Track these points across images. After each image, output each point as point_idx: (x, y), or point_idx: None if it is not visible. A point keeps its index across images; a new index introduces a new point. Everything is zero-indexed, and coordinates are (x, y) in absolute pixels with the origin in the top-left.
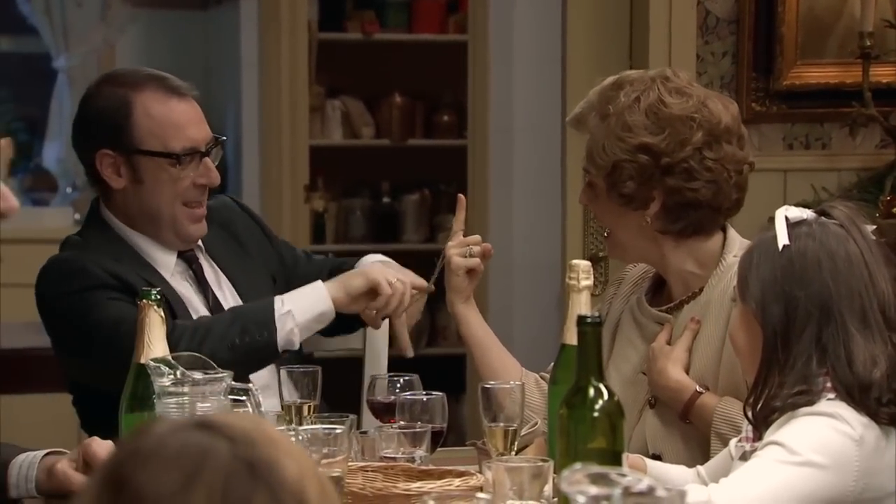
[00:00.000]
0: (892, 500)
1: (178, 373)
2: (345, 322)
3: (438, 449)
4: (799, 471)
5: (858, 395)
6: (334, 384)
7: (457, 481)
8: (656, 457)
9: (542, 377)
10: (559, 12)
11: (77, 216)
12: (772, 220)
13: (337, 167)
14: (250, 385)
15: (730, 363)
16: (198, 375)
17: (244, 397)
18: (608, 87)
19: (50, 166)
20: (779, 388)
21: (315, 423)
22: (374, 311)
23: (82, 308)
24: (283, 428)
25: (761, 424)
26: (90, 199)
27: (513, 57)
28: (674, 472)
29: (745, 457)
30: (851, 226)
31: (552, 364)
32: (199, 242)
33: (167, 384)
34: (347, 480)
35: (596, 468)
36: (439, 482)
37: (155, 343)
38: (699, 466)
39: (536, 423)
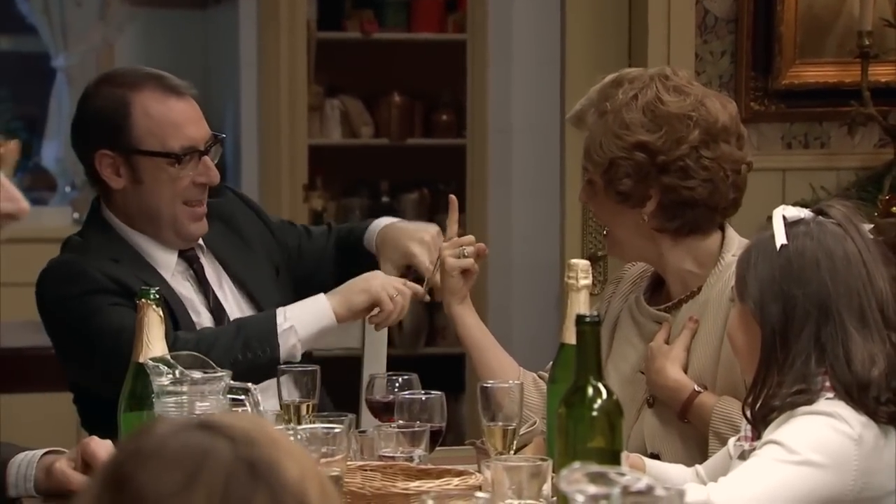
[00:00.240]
0: (890, 498)
1: (176, 372)
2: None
3: (437, 448)
4: (798, 470)
5: (857, 394)
6: (333, 383)
7: (455, 480)
8: (654, 456)
9: (540, 376)
10: (558, 12)
11: (76, 215)
12: (770, 219)
13: (336, 166)
14: (249, 384)
15: (728, 362)
16: (196, 375)
17: (243, 397)
18: (608, 85)
19: (49, 165)
20: (777, 388)
21: (314, 423)
22: (375, 323)
23: (83, 313)
24: (282, 427)
25: (760, 424)
26: (89, 198)
27: (512, 56)
28: (672, 472)
29: (743, 456)
30: (849, 225)
31: (551, 363)
32: (201, 241)
33: (166, 383)
34: (346, 479)
35: (595, 467)
36: (438, 481)
37: (154, 342)
38: (698, 466)
39: (535, 423)
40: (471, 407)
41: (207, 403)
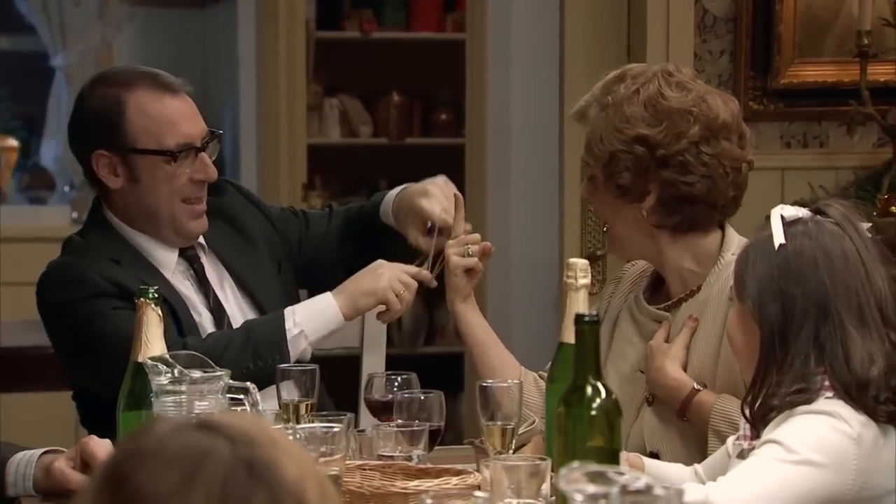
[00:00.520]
0: (890, 498)
1: (175, 371)
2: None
3: (436, 447)
4: (797, 469)
5: (856, 394)
6: (332, 383)
7: (454, 480)
8: (654, 454)
9: (540, 376)
10: (557, 11)
11: (74, 215)
12: (768, 219)
13: (335, 166)
14: (248, 384)
15: (728, 361)
16: (196, 374)
17: (242, 396)
18: (611, 80)
19: (47, 165)
20: (777, 387)
21: (313, 422)
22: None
23: (84, 318)
24: (280, 427)
25: (759, 423)
26: (88, 197)
27: (511, 56)
28: (671, 471)
29: (742, 455)
30: (847, 224)
31: (550, 363)
32: (202, 240)
33: (165, 383)
34: (345, 479)
35: (594, 466)
36: (437, 481)
37: (153, 341)
38: (696, 465)
39: (534, 422)
40: (470, 406)
41: (206, 403)
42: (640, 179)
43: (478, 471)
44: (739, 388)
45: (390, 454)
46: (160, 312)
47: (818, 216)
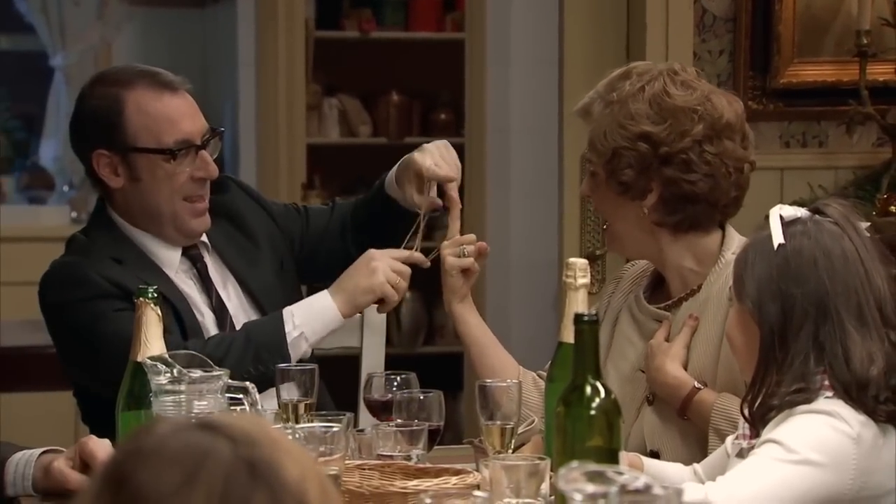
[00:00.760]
0: (889, 497)
1: (174, 371)
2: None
3: (435, 447)
4: (796, 469)
5: (856, 393)
6: (331, 382)
7: (454, 479)
8: (654, 453)
9: (539, 375)
10: (556, 11)
11: (74, 214)
12: (767, 219)
13: (334, 165)
14: (248, 384)
15: (728, 360)
16: (195, 374)
17: (241, 396)
18: (616, 77)
19: (47, 164)
20: (776, 387)
21: (312, 422)
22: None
23: (86, 319)
24: (280, 426)
25: (759, 423)
26: (87, 197)
27: (510, 55)
28: (671, 470)
29: (741, 454)
30: (846, 223)
31: (549, 362)
32: (206, 239)
33: (164, 382)
34: (344, 478)
35: (593, 466)
36: (436, 480)
37: (152, 341)
38: (696, 464)
39: (534, 421)
40: (469, 406)
41: (205, 402)
42: (642, 177)
43: (477, 470)
44: (740, 387)
45: (389, 454)
46: (159, 312)
47: (817, 216)
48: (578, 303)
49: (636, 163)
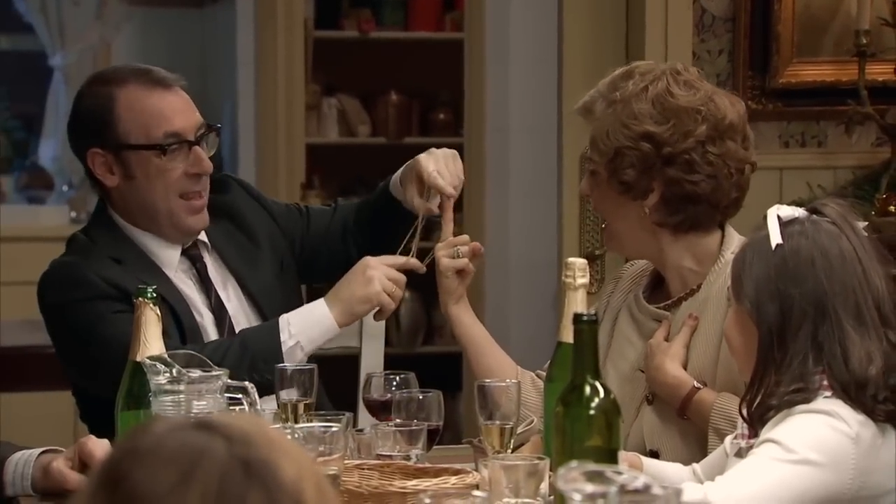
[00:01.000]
0: (888, 497)
1: (173, 371)
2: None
3: (434, 447)
4: (795, 469)
5: (855, 393)
6: (330, 382)
7: (453, 479)
8: (654, 453)
9: (538, 375)
10: (555, 11)
11: (73, 214)
12: (764, 219)
13: (333, 165)
14: (247, 384)
15: (727, 360)
16: (194, 374)
17: (240, 396)
18: (618, 77)
19: (46, 164)
20: (775, 387)
21: (311, 422)
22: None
23: (86, 321)
24: (279, 426)
25: (757, 423)
26: (86, 197)
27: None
28: (670, 470)
29: (740, 454)
30: (844, 223)
31: (548, 362)
32: (206, 239)
33: (163, 382)
34: (344, 478)
35: (592, 466)
36: (435, 480)
37: (151, 341)
38: (695, 464)
39: (533, 421)
40: (468, 405)
41: (205, 402)
42: (644, 176)
43: (476, 470)
44: (739, 387)
45: (389, 453)
46: (158, 312)
47: (814, 216)
48: (577, 302)
49: (638, 162)
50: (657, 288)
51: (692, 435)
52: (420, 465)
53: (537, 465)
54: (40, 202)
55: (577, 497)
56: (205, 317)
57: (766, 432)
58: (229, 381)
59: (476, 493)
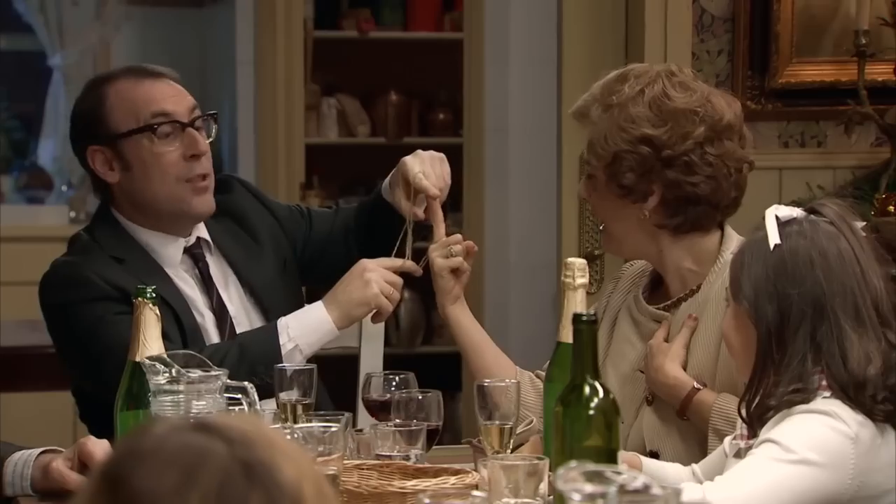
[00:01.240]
0: (887, 497)
1: (173, 371)
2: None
3: (434, 447)
4: (794, 469)
5: (854, 393)
6: (330, 382)
7: (452, 479)
8: (654, 454)
9: (537, 375)
10: (555, 11)
11: (72, 214)
12: (763, 219)
13: (333, 165)
14: (246, 384)
15: (727, 360)
16: (193, 374)
17: (240, 396)
18: (613, 80)
19: (45, 164)
20: (774, 387)
21: (311, 422)
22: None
23: (85, 321)
24: (278, 426)
25: (756, 423)
26: (85, 196)
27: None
28: (669, 470)
29: (739, 455)
30: (842, 223)
31: (548, 362)
32: (209, 238)
33: (162, 382)
34: (343, 478)
35: (591, 466)
36: (435, 480)
37: (150, 341)
38: (694, 465)
39: (532, 421)
40: (468, 406)
41: (204, 402)
42: (643, 180)
43: (476, 470)
44: (739, 388)
45: (388, 454)
46: (158, 312)
47: (813, 216)
48: (577, 303)
49: (638, 166)
50: (657, 288)
51: (692, 436)
52: (419, 466)
53: (537, 465)
54: (40, 202)
55: (576, 497)
56: (206, 317)
57: (766, 432)
58: (228, 381)
59: (475, 493)
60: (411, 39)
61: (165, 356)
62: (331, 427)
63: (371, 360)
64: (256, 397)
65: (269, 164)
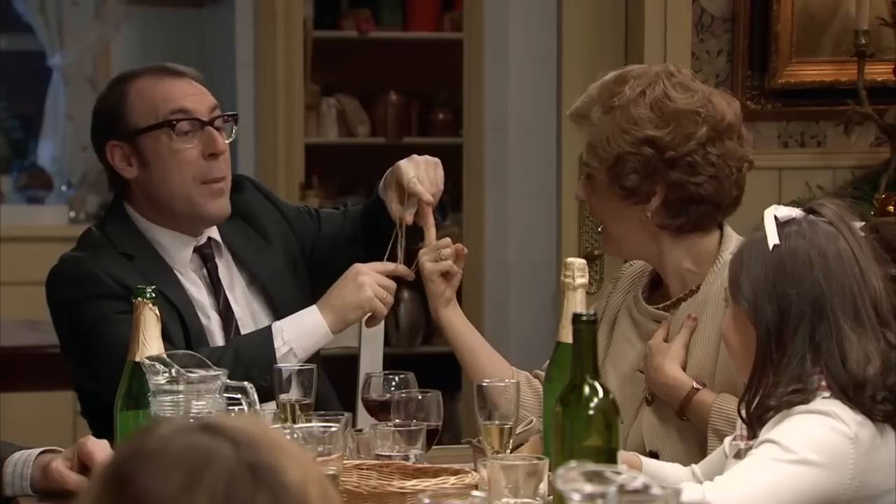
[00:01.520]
0: (887, 498)
1: (172, 371)
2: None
3: (434, 447)
4: (794, 469)
5: (853, 393)
6: (330, 382)
7: (452, 479)
8: (654, 454)
9: (534, 375)
10: (554, 10)
11: (72, 214)
12: (762, 219)
13: (332, 165)
14: (246, 384)
15: (727, 360)
16: (193, 374)
17: (240, 396)
18: (611, 82)
19: (45, 164)
20: (773, 388)
21: (311, 422)
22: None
23: (89, 318)
24: (278, 426)
25: (756, 423)
26: (85, 196)
27: (508, 55)
28: (669, 470)
29: (739, 455)
30: (841, 223)
31: (547, 362)
32: (219, 238)
33: (162, 382)
34: (342, 478)
35: (591, 466)
36: (434, 480)
37: (150, 341)
38: (694, 465)
39: (532, 421)
40: (467, 406)
41: (204, 402)
42: (647, 181)
43: (475, 470)
44: (739, 388)
45: (388, 454)
46: (157, 312)
47: (811, 216)
48: (577, 303)
49: (641, 167)
50: (656, 288)
51: (692, 436)
52: (419, 466)
53: (536, 465)
54: (39, 202)
55: (576, 497)
56: (212, 319)
57: (765, 433)
58: (228, 381)
59: (475, 493)
60: (411, 39)
61: (165, 356)
62: (330, 427)
63: (371, 360)
64: (256, 397)
65: (269, 163)
